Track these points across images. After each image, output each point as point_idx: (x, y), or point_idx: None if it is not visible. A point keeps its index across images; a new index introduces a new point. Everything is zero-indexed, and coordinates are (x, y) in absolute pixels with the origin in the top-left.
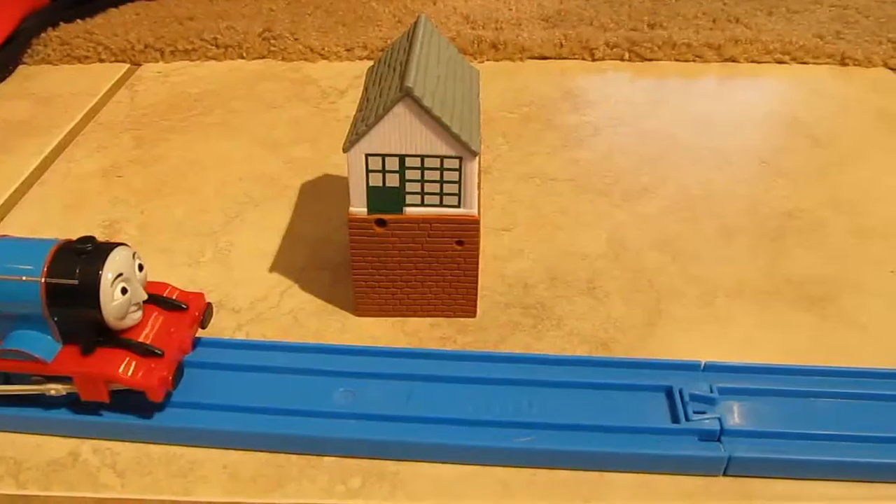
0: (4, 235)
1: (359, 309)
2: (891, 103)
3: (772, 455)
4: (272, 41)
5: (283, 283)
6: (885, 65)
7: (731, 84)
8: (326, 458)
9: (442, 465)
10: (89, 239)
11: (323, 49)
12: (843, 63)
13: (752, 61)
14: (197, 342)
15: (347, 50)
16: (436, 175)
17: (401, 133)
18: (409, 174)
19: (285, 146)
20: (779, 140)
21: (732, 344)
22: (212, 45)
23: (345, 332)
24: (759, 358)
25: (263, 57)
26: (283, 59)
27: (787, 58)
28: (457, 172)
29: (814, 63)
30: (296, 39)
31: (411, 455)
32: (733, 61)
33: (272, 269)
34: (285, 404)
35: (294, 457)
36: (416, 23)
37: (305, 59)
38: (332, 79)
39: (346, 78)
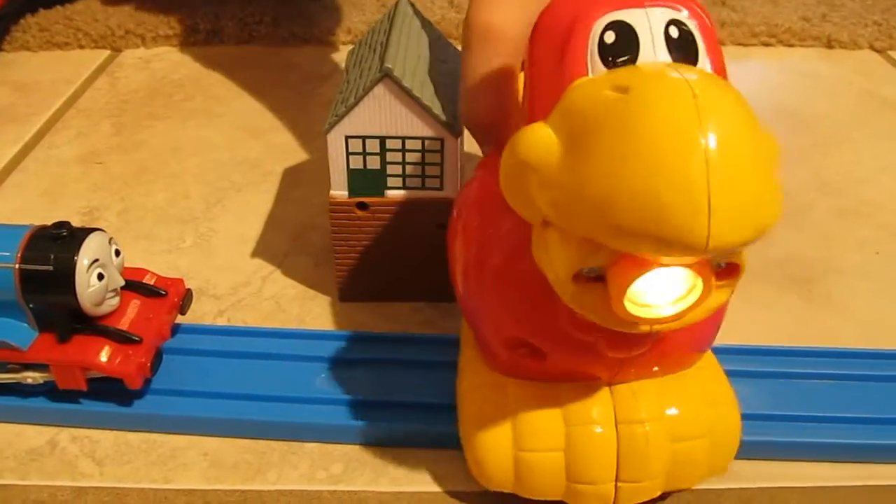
0: None
1: (341, 294)
2: (877, 85)
3: (755, 437)
4: (254, 26)
5: (265, 268)
6: (872, 47)
7: None
8: (308, 444)
9: (424, 449)
10: (64, 224)
11: (305, 34)
12: (829, 45)
13: (738, 44)
14: (177, 328)
15: (331, 35)
16: (417, 157)
17: (381, 114)
18: (390, 156)
19: (267, 131)
20: (764, 122)
21: None
22: (193, 30)
23: (327, 318)
24: (742, 340)
25: (246, 42)
26: (266, 44)
27: (773, 41)
28: (438, 154)
29: (800, 46)
30: (278, 24)
31: (393, 441)
32: (719, 44)
33: (254, 254)
34: (266, 390)
35: (275, 443)
36: (396, 3)
37: (288, 45)
38: (314, 64)
39: (330, 63)
